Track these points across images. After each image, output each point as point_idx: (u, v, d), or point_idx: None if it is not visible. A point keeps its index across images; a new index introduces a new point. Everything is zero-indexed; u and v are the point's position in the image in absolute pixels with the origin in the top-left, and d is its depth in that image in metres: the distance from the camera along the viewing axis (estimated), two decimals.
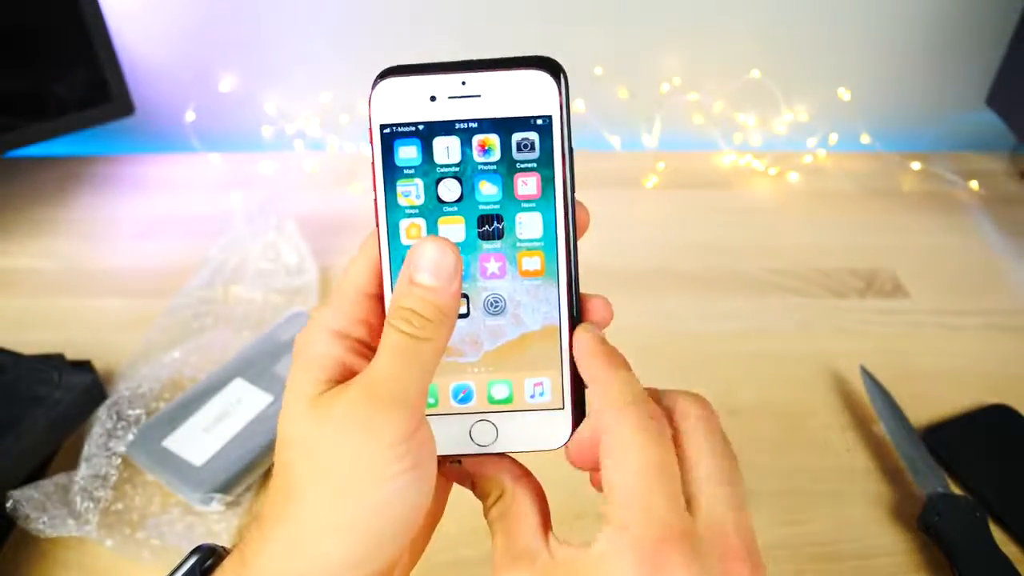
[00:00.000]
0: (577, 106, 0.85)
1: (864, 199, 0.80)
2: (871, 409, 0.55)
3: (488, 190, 0.27)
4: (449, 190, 0.27)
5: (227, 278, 0.67)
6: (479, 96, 0.26)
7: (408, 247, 0.26)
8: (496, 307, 0.28)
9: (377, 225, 0.28)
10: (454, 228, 0.27)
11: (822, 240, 0.74)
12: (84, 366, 0.57)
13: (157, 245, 0.74)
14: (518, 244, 0.27)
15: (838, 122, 0.86)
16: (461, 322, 0.28)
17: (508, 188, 0.27)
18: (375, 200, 0.28)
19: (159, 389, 0.56)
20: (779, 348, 0.62)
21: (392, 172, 0.27)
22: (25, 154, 0.85)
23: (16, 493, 0.47)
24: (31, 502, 0.47)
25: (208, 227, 0.73)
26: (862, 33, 0.83)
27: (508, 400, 0.29)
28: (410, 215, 0.27)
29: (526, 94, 0.26)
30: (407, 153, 0.27)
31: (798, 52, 0.84)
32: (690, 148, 0.87)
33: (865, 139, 0.86)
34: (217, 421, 0.53)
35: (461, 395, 0.29)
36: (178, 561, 0.27)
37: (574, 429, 0.28)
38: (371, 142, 0.27)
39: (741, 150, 0.86)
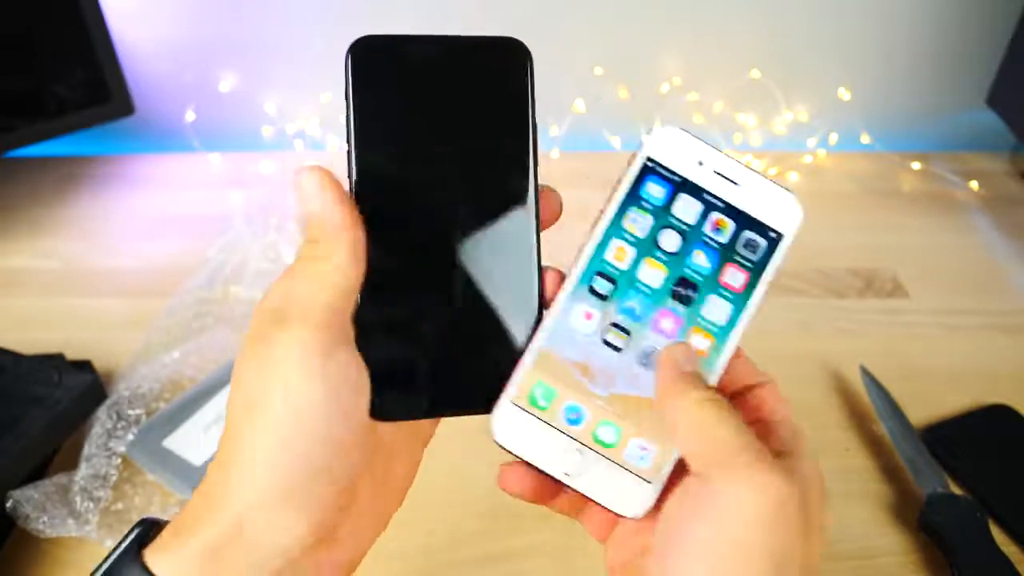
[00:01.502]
0: (577, 106, 0.85)
1: (864, 199, 0.80)
2: (871, 409, 0.56)
3: (700, 260, 0.29)
4: (669, 241, 0.29)
5: (227, 278, 0.67)
6: (737, 184, 0.29)
7: (609, 264, 0.29)
8: (648, 360, 0.29)
9: None
10: (654, 272, 0.29)
11: (822, 240, 0.74)
12: (84, 366, 0.57)
13: (157, 245, 0.73)
14: (698, 319, 0.29)
15: (838, 122, 0.86)
16: (608, 353, 0.28)
17: (718, 269, 0.29)
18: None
19: (159, 389, 0.56)
20: (779, 348, 0.62)
21: (634, 197, 0.29)
22: (25, 154, 0.85)
23: (16, 493, 0.47)
24: (31, 502, 0.47)
25: (208, 227, 0.73)
26: (862, 33, 0.83)
27: (610, 446, 0.28)
28: (626, 239, 0.29)
29: (772, 206, 0.29)
30: (655, 191, 0.29)
31: (798, 52, 0.84)
32: None
33: (865, 139, 0.86)
34: (217, 421, 0.53)
35: (572, 416, 0.28)
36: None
37: (654, 506, 0.28)
38: (628, 164, 0.29)
39: (741, 150, 0.86)
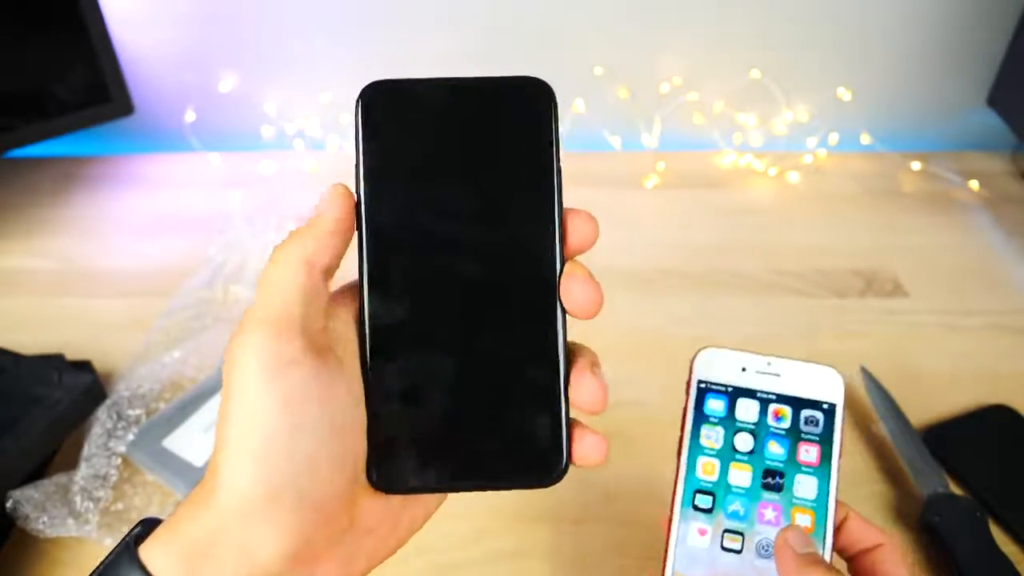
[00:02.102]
0: (577, 106, 0.85)
1: (864, 199, 0.80)
2: (871, 409, 0.55)
3: (775, 449, 0.32)
4: (743, 442, 0.32)
5: (227, 278, 0.67)
6: (779, 375, 0.32)
7: (702, 480, 0.31)
8: (767, 551, 0.31)
9: None
10: (742, 473, 0.31)
11: (822, 240, 0.74)
12: (84, 366, 0.57)
13: (157, 245, 0.73)
14: (794, 500, 0.31)
15: (838, 122, 0.86)
16: (731, 558, 0.30)
17: (792, 451, 0.32)
18: None
19: (159, 389, 0.56)
20: (779, 348, 0.61)
21: (700, 417, 0.32)
22: (25, 154, 0.85)
23: (16, 493, 0.47)
24: (31, 502, 0.47)
25: (208, 227, 0.73)
26: (862, 33, 0.83)
27: None
28: (708, 454, 0.32)
29: (816, 382, 0.32)
30: (715, 406, 0.32)
31: (798, 52, 0.84)
32: (690, 148, 0.87)
33: (865, 139, 0.86)
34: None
35: None
36: None
37: None
38: (687, 393, 0.32)
39: (741, 150, 0.86)
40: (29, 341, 0.59)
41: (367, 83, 0.29)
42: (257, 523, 0.24)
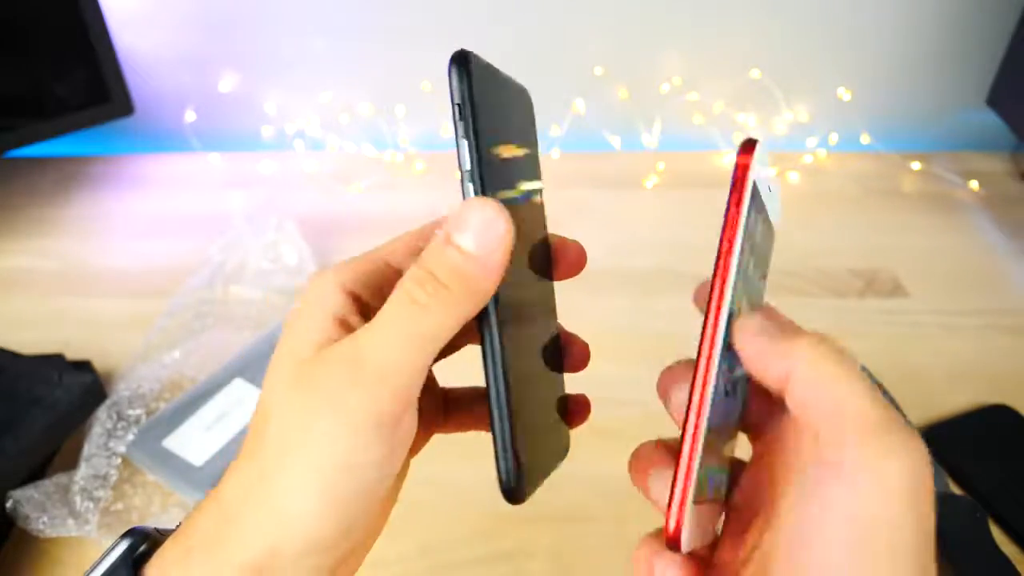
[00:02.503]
0: (577, 106, 0.85)
1: (864, 199, 0.80)
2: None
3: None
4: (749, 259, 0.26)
5: (227, 278, 0.67)
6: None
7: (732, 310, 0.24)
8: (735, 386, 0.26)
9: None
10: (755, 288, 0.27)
11: (822, 240, 0.74)
12: (84, 366, 0.57)
13: (157, 245, 0.73)
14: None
15: (838, 122, 0.86)
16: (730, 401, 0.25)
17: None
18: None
19: (159, 389, 0.56)
20: None
21: (746, 229, 0.25)
22: (25, 154, 0.85)
23: (16, 493, 0.47)
24: (31, 502, 0.47)
25: (208, 227, 0.73)
26: (862, 33, 0.83)
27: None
28: (741, 276, 0.25)
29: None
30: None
31: (798, 52, 0.84)
32: (690, 148, 0.87)
33: (865, 139, 0.86)
34: (217, 421, 0.53)
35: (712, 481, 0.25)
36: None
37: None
38: (739, 202, 0.24)
39: None
40: (29, 341, 0.59)
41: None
42: (300, 559, 0.22)
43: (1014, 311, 0.66)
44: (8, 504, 0.46)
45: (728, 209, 0.24)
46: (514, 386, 0.24)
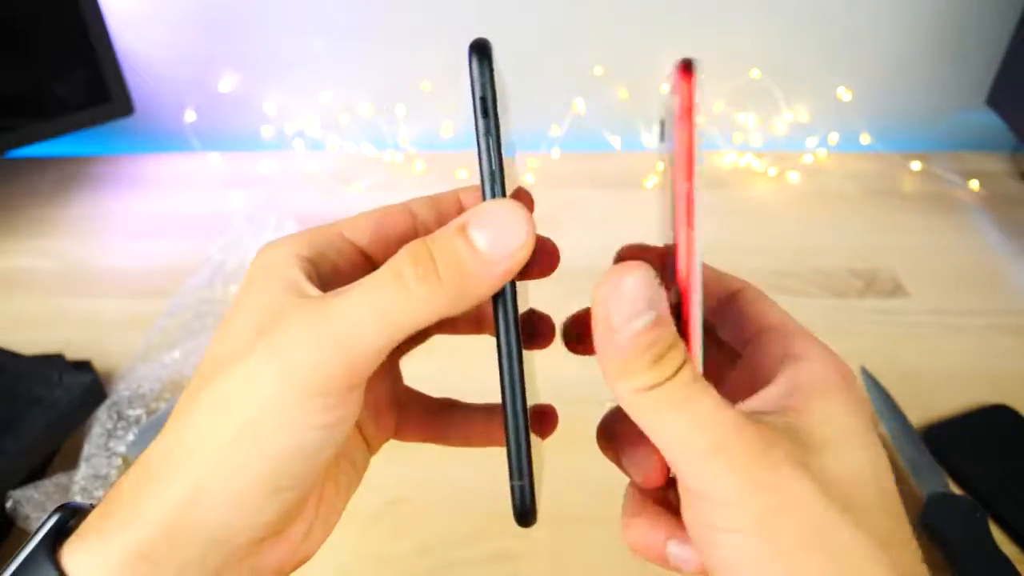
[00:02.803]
0: (577, 106, 0.85)
1: (864, 199, 0.80)
2: (871, 409, 0.55)
3: None
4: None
5: (227, 278, 0.67)
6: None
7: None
8: None
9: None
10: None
11: (822, 240, 0.74)
12: (84, 366, 0.57)
13: (157, 245, 0.73)
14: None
15: (838, 122, 0.86)
16: None
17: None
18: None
19: (159, 389, 0.56)
20: None
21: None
22: (25, 154, 0.85)
23: (16, 493, 0.47)
24: (31, 502, 0.47)
25: (208, 227, 0.73)
26: (862, 33, 0.83)
27: None
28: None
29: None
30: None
31: (798, 52, 0.84)
32: None
33: (865, 139, 0.86)
34: None
35: None
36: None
37: None
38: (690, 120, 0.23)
39: (741, 150, 0.86)
40: (29, 341, 0.59)
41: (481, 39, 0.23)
42: (227, 501, 0.21)
43: (1014, 311, 0.66)
44: (8, 504, 0.46)
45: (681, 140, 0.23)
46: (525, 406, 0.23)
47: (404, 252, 0.21)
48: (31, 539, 0.21)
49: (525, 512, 0.24)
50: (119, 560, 0.20)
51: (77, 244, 0.74)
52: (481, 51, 0.21)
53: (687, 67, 0.22)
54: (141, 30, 0.82)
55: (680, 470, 0.21)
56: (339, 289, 0.21)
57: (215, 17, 0.82)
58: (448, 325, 0.28)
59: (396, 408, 0.29)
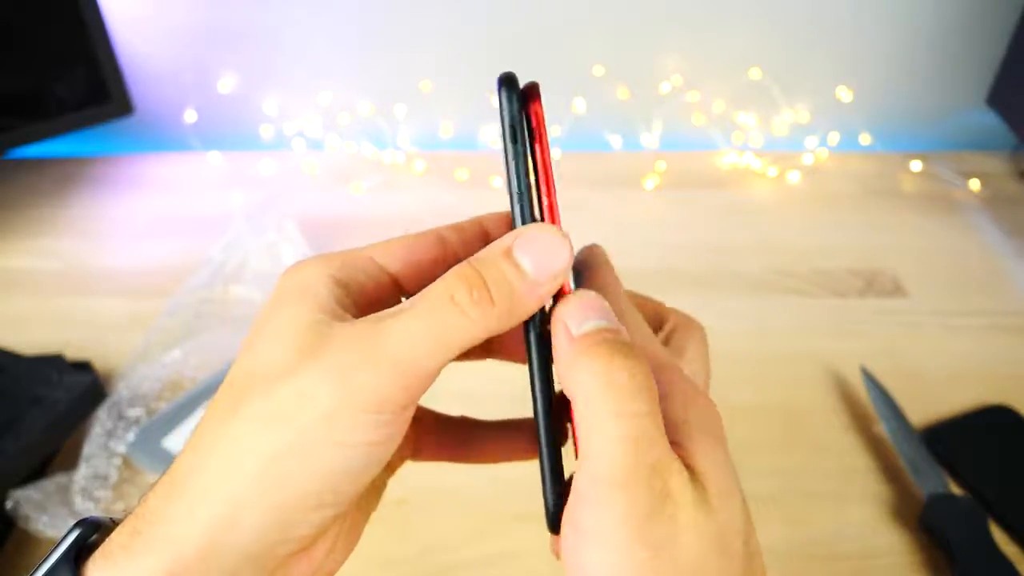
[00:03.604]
0: (577, 106, 0.85)
1: (864, 199, 0.80)
2: (871, 409, 0.55)
3: None
4: None
5: (227, 278, 0.67)
6: None
7: None
8: None
9: None
10: None
11: (822, 240, 0.74)
12: (84, 366, 0.57)
13: (157, 245, 0.73)
14: None
15: (838, 122, 0.86)
16: None
17: None
18: None
19: (159, 389, 0.56)
20: (779, 348, 0.62)
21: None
22: (25, 154, 0.85)
23: (16, 493, 0.47)
24: (31, 502, 0.47)
25: (208, 227, 0.73)
26: (862, 33, 0.83)
27: None
28: None
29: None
30: None
31: (798, 52, 0.84)
32: (690, 148, 0.87)
33: (865, 139, 0.86)
34: None
35: None
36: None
37: None
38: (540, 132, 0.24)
39: (741, 150, 0.86)
40: (29, 341, 0.59)
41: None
42: (258, 517, 0.21)
43: (1014, 311, 0.66)
44: (8, 504, 0.46)
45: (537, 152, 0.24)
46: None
47: (454, 276, 0.22)
48: (51, 555, 0.21)
49: (557, 518, 0.24)
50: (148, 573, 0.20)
51: (77, 244, 0.74)
52: (508, 83, 0.23)
53: (534, 93, 0.23)
54: (141, 30, 0.82)
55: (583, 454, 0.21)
56: (388, 311, 0.22)
57: (215, 17, 0.82)
58: (484, 351, 0.28)
59: (414, 427, 0.29)
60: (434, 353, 0.21)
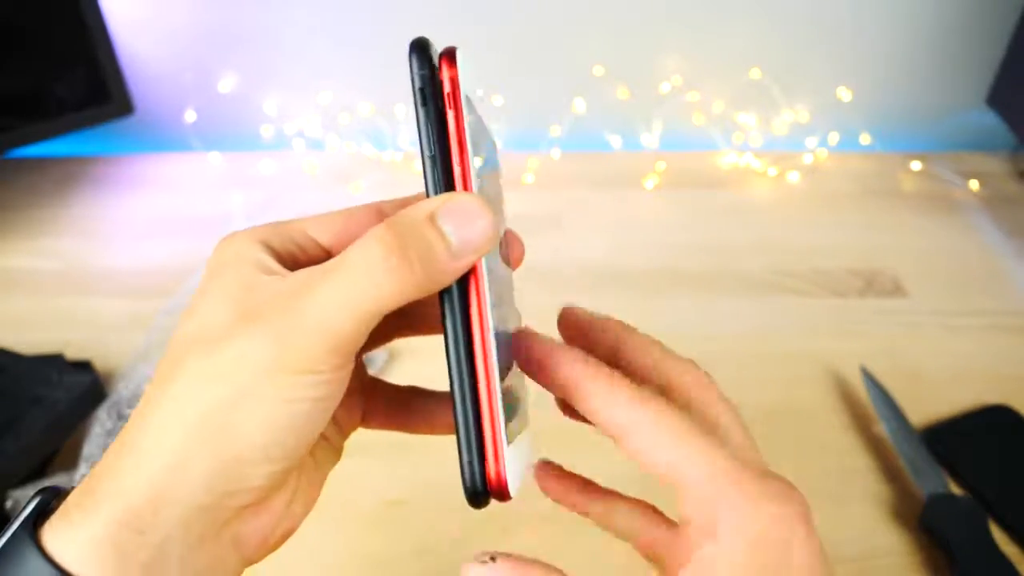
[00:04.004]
0: (577, 106, 0.85)
1: (864, 199, 0.80)
2: (871, 409, 0.55)
3: None
4: None
5: None
6: None
7: None
8: None
9: None
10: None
11: (822, 240, 0.74)
12: (84, 366, 0.57)
13: (157, 245, 0.73)
14: None
15: (838, 122, 0.86)
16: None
17: None
18: None
19: None
20: (779, 348, 0.62)
21: None
22: (25, 154, 0.85)
23: (16, 493, 0.47)
24: None
25: (208, 227, 0.73)
26: (862, 33, 0.83)
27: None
28: None
29: None
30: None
31: (798, 52, 0.84)
32: (690, 148, 0.87)
33: (865, 139, 0.86)
34: None
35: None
36: None
37: None
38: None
39: (741, 150, 0.86)
40: (29, 341, 0.59)
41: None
42: (207, 468, 0.21)
43: (1014, 311, 0.66)
44: (8, 504, 0.46)
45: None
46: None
47: (373, 240, 0.22)
48: (12, 522, 0.22)
49: (476, 492, 0.25)
50: (103, 532, 0.21)
51: (77, 244, 0.74)
52: (418, 47, 0.23)
53: (451, 59, 0.24)
54: (141, 30, 0.82)
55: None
56: (316, 268, 0.22)
57: (215, 18, 0.82)
58: (408, 328, 0.29)
59: (361, 395, 0.30)
60: (353, 318, 0.22)
